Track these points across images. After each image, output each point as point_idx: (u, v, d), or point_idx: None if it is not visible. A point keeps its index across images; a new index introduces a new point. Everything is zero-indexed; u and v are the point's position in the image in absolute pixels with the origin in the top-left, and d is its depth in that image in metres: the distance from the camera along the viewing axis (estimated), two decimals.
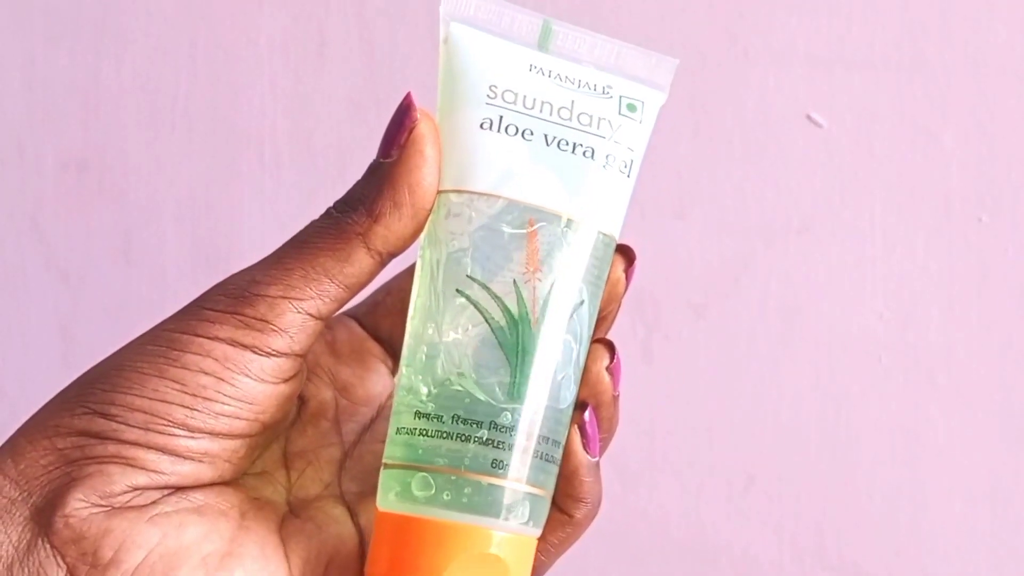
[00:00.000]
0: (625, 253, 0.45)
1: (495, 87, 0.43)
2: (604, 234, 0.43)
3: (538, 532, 0.43)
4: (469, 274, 0.42)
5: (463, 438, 0.41)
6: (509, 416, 0.42)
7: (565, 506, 0.43)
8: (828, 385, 0.75)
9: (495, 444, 0.41)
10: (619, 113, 0.44)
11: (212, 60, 0.82)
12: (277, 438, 0.46)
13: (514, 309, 0.42)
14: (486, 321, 0.42)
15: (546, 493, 0.43)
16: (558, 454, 0.43)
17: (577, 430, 0.43)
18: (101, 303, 0.84)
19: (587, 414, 0.43)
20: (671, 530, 0.77)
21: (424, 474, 0.42)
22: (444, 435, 0.42)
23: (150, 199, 0.83)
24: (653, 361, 0.77)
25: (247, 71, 0.82)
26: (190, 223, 0.82)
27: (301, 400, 0.47)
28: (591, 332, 0.44)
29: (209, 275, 0.86)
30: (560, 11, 0.77)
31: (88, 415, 0.42)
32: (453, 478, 0.41)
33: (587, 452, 0.43)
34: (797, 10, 0.75)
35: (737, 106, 0.76)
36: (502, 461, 0.41)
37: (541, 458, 0.42)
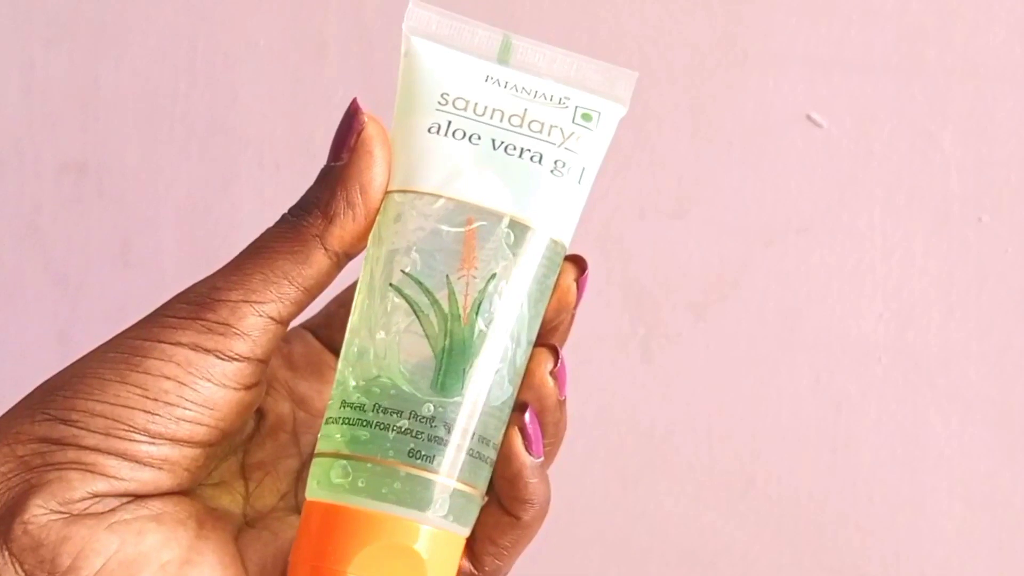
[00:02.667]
0: (576, 263, 0.45)
1: (447, 95, 0.44)
2: (549, 237, 0.44)
3: (462, 530, 0.43)
4: (404, 270, 0.43)
5: (382, 427, 0.42)
6: (431, 408, 0.42)
7: (512, 508, 0.43)
8: (827, 386, 0.75)
9: (414, 434, 0.42)
10: (572, 121, 0.45)
11: (211, 63, 0.82)
12: (235, 451, 0.46)
13: (444, 304, 0.43)
14: (415, 315, 0.42)
15: (472, 490, 0.43)
16: (488, 451, 0.43)
17: (517, 432, 0.43)
18: (99, 307, 0.84)
19: (527, 415, 0.43)
20: (670, 532, 0.77)
21: (343, 462, 0.42)
22: (364, 424, 0.42)
23: (149, 202, 0.83)
24: (653, 361, 0.77)
25: (246, 74, 0.82)
26: (189, 226, 0.82)
27: (260, 414, 0.47)
28: (532, 334, 0.44)
29: None
30: (561, 10, 0.77)
31: (49, 421, 0.42)
32: (369, 466, 0.42)
33: (530, 453, 0.43)
34: (797, 12, 0.75)
35: (737, 107, 0.76)
36: (420, 451, 0.42)
37: (467, 453, 0.42)
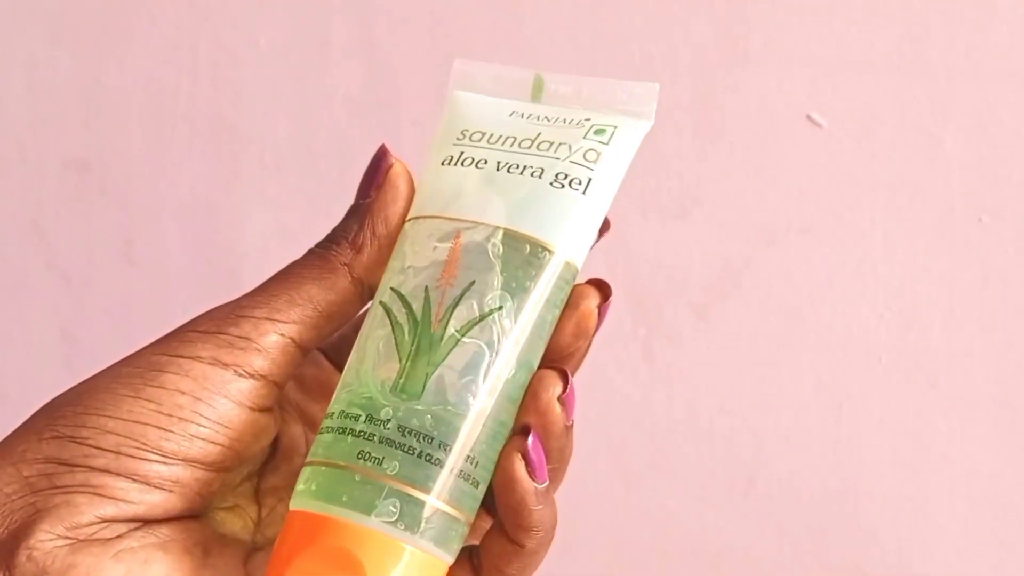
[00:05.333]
0: (600, 288, 0.44)
1: (465, 131, 0.45)
2: (544, 247, 0.43)
3: (423, 541, 0.41)
4: (393, 287, 0.43)
5: (342, 431, 0.41)
6: (389, 411, 0.41)
7: (516, 537, 0.42)
8: (829, 386, 0.75)
9: (366, 436, 0.41)
10: (583, 137, 0.45)
11: (214, 61, 0.82)
12: (250, 477, 0.45)
13: (418, 311, 0.42)
14: (391, 325, 0.42)
15: (446, 505, 0.41)
16: (463, 464, 0.41)
17: (519, 457, 0.41)
18: (103, 304, 0.84)
19: (530, 440, 0.41)
20: (672, 531, 0.77)
21: (309, 468, 0.42)
22: (329, 430, 0.42)
23: (152, 200, 0.83)
24: (654, 361, 0.77)
25: (249, 72, 0.82)
26: (191, 224, 0.82)
27: (274, 439, 0.46)
28: (529, 352, 0.42)
29: (210, 276, 0.86)
30: (563, 10, 0.77)
31: (57, 440, 0.41)
32: (323, 469, 0.41)
33: (533, 479, 0.41)
34: (798, 11, 0.75)
35: (738, 106, 0.76)
36: (370, 453, 0.41)
37: (427, 460, 0.41)
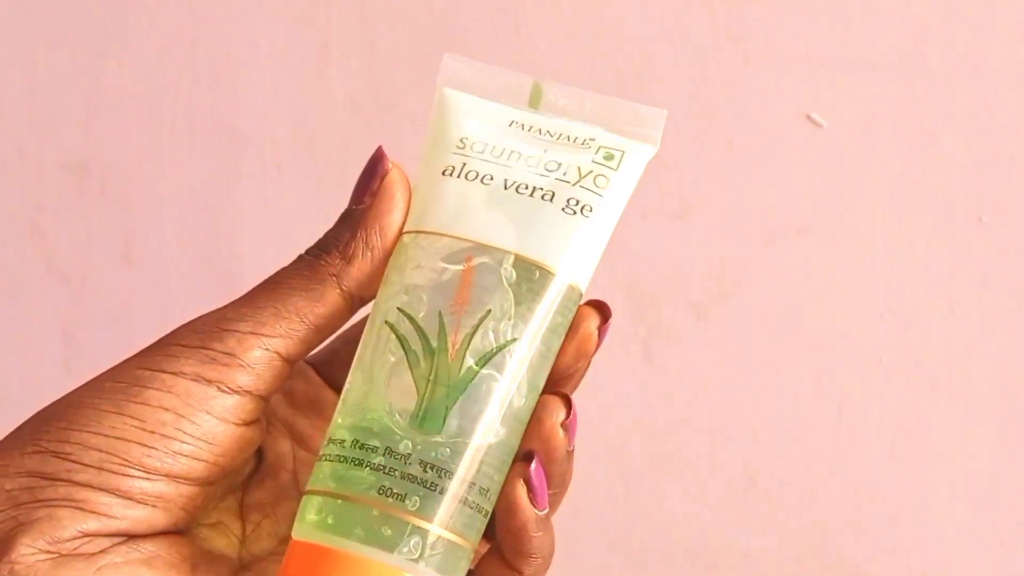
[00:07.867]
0: (600, 309, 0.44)
1: (465, 139, 0.44)
2: (554, 274, 0.43)
3: (431, 571, 0.41)
4: (400, 307, 0.42)
5: (357, 462, 0.41)
6: (408, 444, 0.41)
7: (515, 563, 0.42)
8: (828, 386, 0.75)
9: (386, 471, 0.41)
10: (592, 161, 0.44)
11: (214, 62, 0.82)
12: (234, 490, 0.45)
13: (433, 340, 0.42)
14: (404, 351, 0.42)
15: (455, 536, 0.41)
16: (476, 497, 0.41)
17: (522, 483, 0.41)
18: (103, 306, 0.84)
19: (533, 466, 0.41)
20: (672, 531, 0.77)
21: (319, 499, 0.41)
22: (343, 460, 0.41)
23: (152, 201, 0.83)
24: (653, 361, 0.77)
25: (249, 73, 0.82)
26: (191, 225, 0.83)
27: (259, 452, 0.46)
28: (538, 378, 0.42)
29: (210, 277, 0.86)
30: (562, 10, 0.77)
31: (40, 454, 0.40)
32: (339, 503, 0.41)
33: (535, 506, 0.41)
34: (798, 11, 0.75)
35: (737, 106, 0.76)
36: (392, 489, 0.40)
37: (448, 496, 0.41)
